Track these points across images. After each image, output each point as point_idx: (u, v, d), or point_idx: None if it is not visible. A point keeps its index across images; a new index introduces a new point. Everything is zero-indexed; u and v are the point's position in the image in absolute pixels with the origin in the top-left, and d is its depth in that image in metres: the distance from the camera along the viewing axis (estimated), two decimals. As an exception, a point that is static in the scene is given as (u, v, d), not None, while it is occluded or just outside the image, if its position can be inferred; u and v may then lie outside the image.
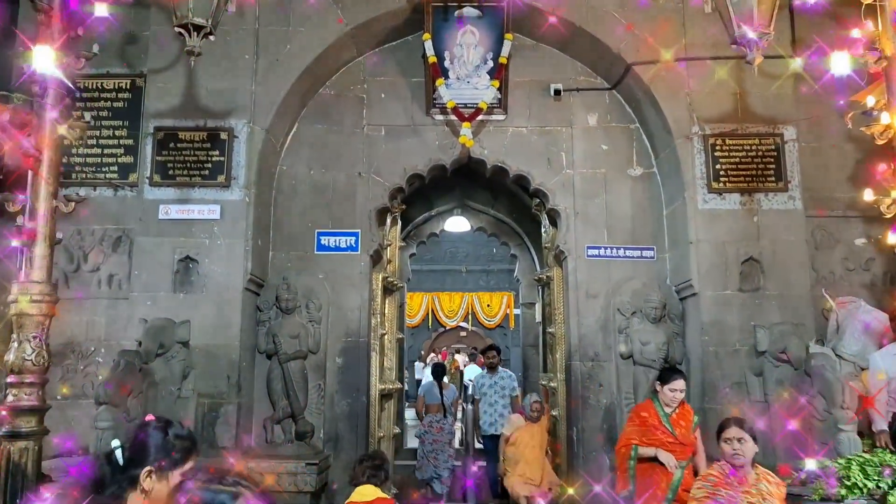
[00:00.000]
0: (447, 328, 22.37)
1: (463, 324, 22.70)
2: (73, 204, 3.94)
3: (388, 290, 7.77)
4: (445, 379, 8.85)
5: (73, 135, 3.93)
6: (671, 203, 6.77)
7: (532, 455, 6.86)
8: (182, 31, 4.33)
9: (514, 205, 11.57)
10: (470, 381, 10.54)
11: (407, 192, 7.34)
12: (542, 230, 8.19)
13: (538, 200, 7.92)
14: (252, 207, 6.32)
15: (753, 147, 6.41)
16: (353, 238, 6.88)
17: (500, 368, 8.43)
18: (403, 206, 8.22)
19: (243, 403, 6.20)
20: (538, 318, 11.35)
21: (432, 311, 21.11)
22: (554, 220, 7.31)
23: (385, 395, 7.50)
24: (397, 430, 7.81)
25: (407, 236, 11.85)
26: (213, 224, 6.25)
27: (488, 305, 21.16)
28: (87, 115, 4.30)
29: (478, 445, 8.55)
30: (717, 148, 6.42)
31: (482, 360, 12.14)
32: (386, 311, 7.86)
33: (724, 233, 6.32)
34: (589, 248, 6.88)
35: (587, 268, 6.86)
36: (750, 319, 6.14)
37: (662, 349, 6.37)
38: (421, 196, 11.49)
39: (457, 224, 11.76)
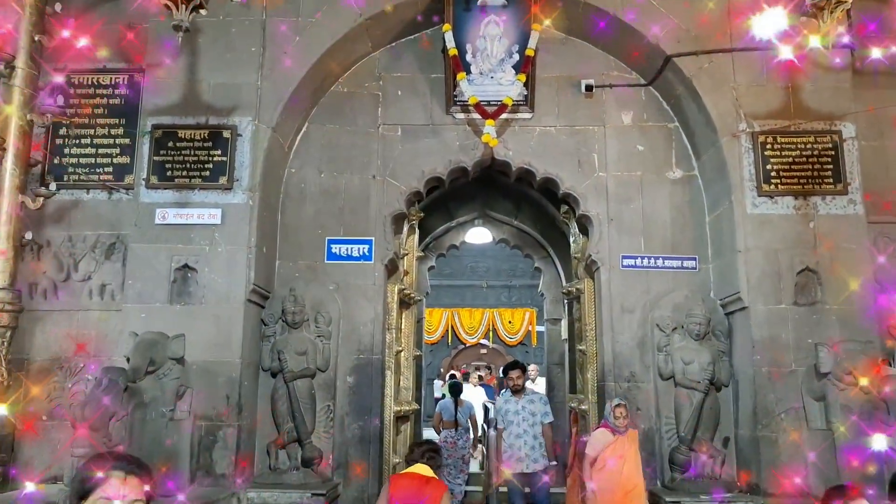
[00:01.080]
0: (467, 345, 21.73)
1: (483, 341, 22.08)
2: (41, 200, 3.45)
3: (404, 303, 7.20)
4: (462, 396, 9.34)
5: (43, 121, 3.42)
6: (715, 208, 6.15)
7: (630, 481, 5.33)
8: (169, 2, 3.82)
9: (538, 215, 11.00)
10: (491, 403, 9.86)
11: (425, 196, 6.81)
12: (571, 239, 7.59)
13: (566, 207, 7.36)
14: (256, 212, 5.80)
15: (808, 145, 5.79)
16: (367, 246, 6.34)
17: (527, 389, 6.91)
18: (422, 215, 7.69)
19: (244, 426, 5.65)
20: (564, 334, 10.74)
21: (452, 327, 20.49)
22: (585, 227, 6.73)
23: (401, 417, 6.92)
24: (414, 455, 7.23)
25: (426, 248, 11.32)
26: (213, 230, 5.74)
27: (510, 322, 20.50)
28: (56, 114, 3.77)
29: (501, 489, 7.04)
30: (768, 147, 5.82)
31: (493, 378, 11.59)
32: (402, 326, 7.30)
33: (776, 240, 5.70)
34: (624, 257, 6.28)
35: (622, 279, 6.26)
36: (807, 336, 5.49)
37: (707, 369, 5.73)
38: (440, 206, 10.98)
39: (478, 235, 11.19)
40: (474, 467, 10.68)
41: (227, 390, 5.52)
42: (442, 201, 10.98)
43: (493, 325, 20.49)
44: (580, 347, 6.86)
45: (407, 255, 7.27)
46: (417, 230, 7.69)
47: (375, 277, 6.31)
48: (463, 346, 22.28)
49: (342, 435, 6.03)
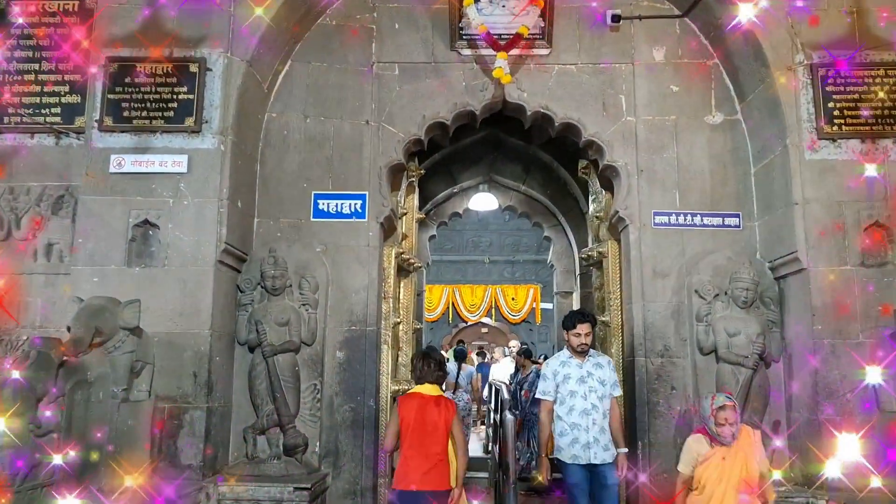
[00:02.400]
0: (469, 323, 20.96)
1: (486, 319, 21.31)
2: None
3: (403, 269, 6.36)
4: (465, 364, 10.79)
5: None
6: (763, 156, 5.30)
7: None
8: None
9: (548, 180, 10.16)
10: (502, 382, 9.04)
11: (426, 146, 5.92)
12: (591, 198, 6.73)
13: (585, 163, 6.52)
14: (229, 159, 4.95)
15: (878, 79, 4.94)
16: (359, 202, 5.50)
17: (593, 351, 4.83)
18: (422, 172, 6.81)
19: (216, 408, 4.83)
20: (576, 308, 9.93)
21: (453, 304, 19.66)
22: (609, 181, 5.87)
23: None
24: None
25: (426, 216, 10.48)
26: (178, 179, 4.90)
27: (513, 299, 19.67)
28: None
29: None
30: (829, 82, 4.96)
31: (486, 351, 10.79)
32: (401, 296, 6.47)
33: (839, 190, 4.86)
34: (656, 214, 5.44)
35: (654, 239, 5.42)
36: (877, 302, 4.68)
37: (757, 342, 4.91)
38: (442, 169, 10.13)
39: (483, 202, 10.34)
40: (477, 449, 9.92)
41: (194, 367, 4.70)
42: (444, 164, 10.13)
43: (495, 302, 19.68)
44: (602, 319, 6.03)
45: (406, 214, 6.42)
46: (417, 188, 6.81)
47: (370, 238, 5.47)
48: (465, 325, 21.52)
49: (331, 418, 5.22)
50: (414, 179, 6.66)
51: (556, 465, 4.71)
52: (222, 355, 4.96)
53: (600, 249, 6.10)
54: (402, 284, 6.50)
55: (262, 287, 5.20)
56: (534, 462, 7.14)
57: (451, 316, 19.78)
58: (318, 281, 5.27)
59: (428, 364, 4.26)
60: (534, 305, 19.55)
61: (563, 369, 4.68)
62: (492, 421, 9.40)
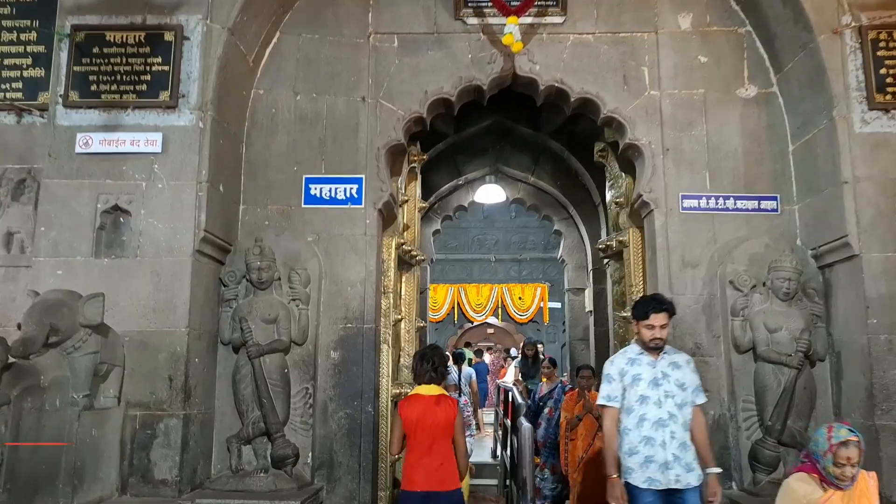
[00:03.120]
0: (474, 323, 20.45)
1: (492, 319, 20.79)
2: None
3: (404, 262, 5.84)
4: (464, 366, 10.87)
5: None
6: (804, 131, 4.76)
7: None
8: None
9: (558, 170, 9.63)
10: (511, 385, 8.52)
11: (429, 127, 5.39)
12: (608, 183, 6.20)
13: (602, 145, 6.00)
14: (209, 137, 4.44)
15: (936, 41, 4.40)
16: (355, 186, 4.98)
17: (668, 347, 3.79)
18: (425, 157, 6.28)
19: (194, 416, 4.31)
20: (588, 305, 9.41)
21: (458, 304, 19.13)
22: (631, 163, 5.34)
23: (401, 403, 5.57)
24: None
25: (430, 210, 9.97)
26: (152, 160, 4.39)
27: (520, 298, 19.14)
28: None
29: None
30: (881, 45, 4.43)
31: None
32: (402, 292, 5.94)
33: (895, 167, 4.32)
34: (684, 197, 4.91)
35: (682, 225, 4.89)
36: (940, 293, 4.13)
37: (802, 338, 4.38)
38: (446, 160, 9.60)
39: (490, 194, 9.80)
40: (483, 455, 9.36)
41: (169, 369, 4.19)
42: (448, 155, 9.60)
43: (501, 302, 19.16)
44: (623, 314, 5.50)
45: (407, 202, 5.90)
46: (419, 175, 6.28)
47: (367, 226, 4.94)
48: (470, 325, 21.04)
49: (325, 426, 4.69)
50: (416, 165, 6.14)
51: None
52: (202, 356, 4.44)
53: (620, 238, 5.56)
54: (403, 279, 5.97)
55: (247, 281, 4.68)
56: (560, 490, 6.38)
57: (456, 316, 19.26)
58: (309, 273, 4.75)
59: (423, 364, 4.05)
60: (541, 305, 19.04)
61: (632, 368, 3.68)
62: (500, 423, 8.90)
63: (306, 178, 4.99)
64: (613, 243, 5.78)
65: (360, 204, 4.95)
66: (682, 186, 4.92)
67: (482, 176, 9.81)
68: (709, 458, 3.64)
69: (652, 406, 3.59)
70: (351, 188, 4.96)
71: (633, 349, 3.79)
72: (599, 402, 3.77)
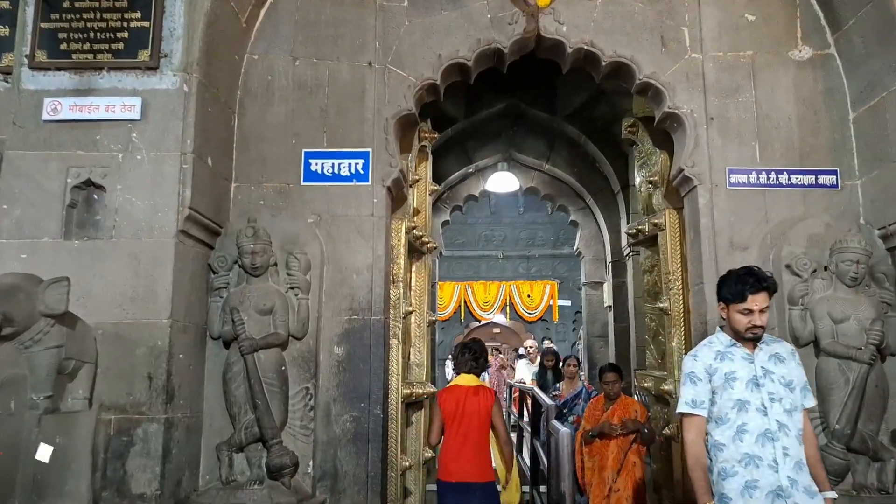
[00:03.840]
0: (482, 322, 19.88)
1: (499, 317, 20.24)
2: None
3: (415, 250, 5.29)
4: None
5: None
6: (868, 96, 4.22)
7: None
8: None
9: (575, 156, 9.08)
10: (530, 381, 7.94)
11: (443, 95, 4.84)
12: (637, 162, 5.63)
13: (631, 120, 5.47)
14: (195, 102, 3.90)
15: None
16: (361, 161, 4.44)
17: (767, 336, 2.95)
18: (436, 135, 5.72)
19: (178, 420, 3.77)
20: (608, 300, 8.86)
21: (465, 302, 18.56)
22: (668, 136, 4.79)
23: (412, 404, 5.03)
24: (430, 454, 5.34)
25: (439, 200, 9.44)
26: (129, 128, 3.85)
27: (528, 296, 18.56)
28: None
29: None
30: (963, -7, 3.86)
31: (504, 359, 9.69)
32: (413, 282, 5.40)
33: (980, 132, 3.77)
34: (732, 171, 4.36)
35: (730, 203, 4.34)
36: None
37: (873, 329, 3.83)
38: (456, 147, 9.06)
39: (502, 182, 9.24)
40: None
41: (149, 367, 3.65)
42: (458, 142, 9.06)
43: (510, 300, 18.58)
44: (659, 305, 4.94)
45: (418, 181, 5.36)
46: (430, 155, 5.72)
47: (374, 205, 4.40)
48: (478, 324, 20.47)
49: (328, 430, 4.15)
50: (427, 144, 5.59)
51: None
52: (188, 352, 3.90)
53: (655, 221, 5.00)
54: (413, 268, 5.43)
55: (239, 267, 4.14)
56: None
57: (463, 314, 18.69)
58: (310, 258, 4.21)
59: (464, 353, 4.28)
60: (550, 302, 18.46)
61: (723, 365, 2.83)
62: (514, 425, 8.36)
63: (306, 153, 4.45)
64: (646, 227, 5.23)
65: (367, 181, 4.41)
66: (728, 160, 4.37)
67: (494, 163, 9.28)
68: (823, 478, 2.81)
69: (754, 413, 2.74)
70: (356, 163, 4.42)
71: (721, 339, 2.92)
72: (680, 409, 2.90)
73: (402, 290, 4.82)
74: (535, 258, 18.73)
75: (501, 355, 16.78)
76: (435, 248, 5.71)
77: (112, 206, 3.77)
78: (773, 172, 4.34)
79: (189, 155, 3.82)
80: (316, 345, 4.19)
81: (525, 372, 9.06)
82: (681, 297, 4.78)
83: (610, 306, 8.84)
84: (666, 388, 4.82)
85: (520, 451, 7.92)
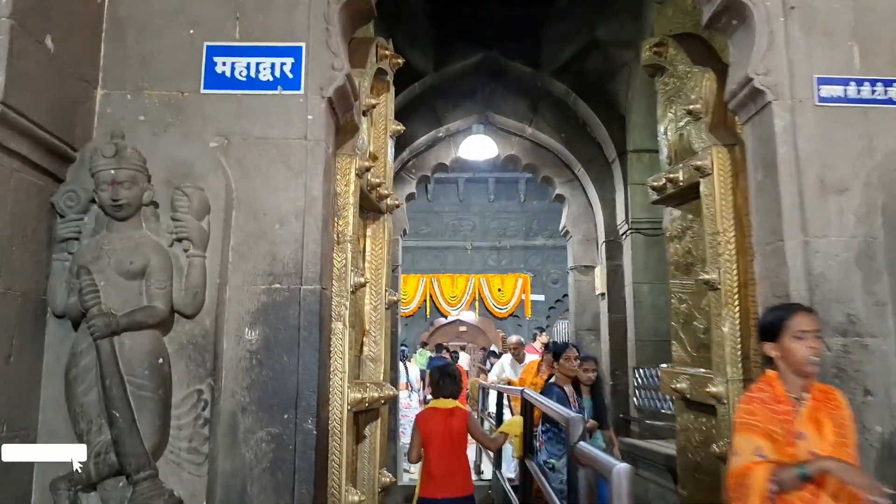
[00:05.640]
0: (448, 318, 18.58)
1: (464, 315, 18.98)
2: None
3: (369, 205, 3.93)
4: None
5: None
6: None
7: None
8: None
9: (562, 119, 7.81)
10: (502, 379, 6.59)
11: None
12: (662, 95, 4.31)
13: (656, 40, 4.16)
14: (20, -57, 2.46)
15: None
16: (290, 61, 3.04)
17: None
18: (400, 62, 4.33)
19: (-22, 445, 2.34)
20: (600, 287, 7.58)
21: (430, 296, 17.20)
22: (711, 52, 3.49)
23: (365, 412, 3.66)
24: (388, 479, 3.96)
25: (403, 168, 8.08)
26: None
27: (499, 290, 17.26)
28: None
29: None
30: None
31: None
32: (368, 249, 4.03)
33: None
34: (822, 81, 3.07)
35: (820, 126, 3.04)
36: None
37: None
38: (423, 107, 7.69)
39: (478, 148, 7.91)
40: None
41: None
42: (426, 100, 7.68)
43: (479, 294, 17.27)
44: (703, 277, 3.61)
45: (375, 108, 3.99)
46: (392, 85, 4.34)
47: (309, 125, 3.01)
48: (444, 320, 19.20)
49: (233, 456, 2.74)
50: (387, 69, 4.22)
51: None
52: (11, 338, 2.47)
53: (696, 164, 3.67)
54: (369, 231, 4.07)
55: (99, 207, 2.71)
56: None
57: (428, 309, 17.31)
58: (209, 197, 2.80)
59: (445, 379, 4.40)
60: (522, 297, 17.20)
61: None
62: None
63: (209, 48, 3.04)
64: (679, 175, 3.91)
65: (299, 88, 3.01)
66: (816, 66, 3.08)
67: (468, 126, 7.95)
68: None
69: None
70: (282, 63, 3.03)
71: None
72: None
73: (349, 255, 3.42)
74: (506, 249, 17.47)
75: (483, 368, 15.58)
76: (398, 205, 4.32)
77: None
78: (878, 84, 3.06)
79: (4, 20, 2.39)
80: (216, 326, 2.78)
81: (510, 372, 7.70)
82: (736, 265, 3.49)
83: (603, 294, 7.56)
84: (713, 390, 3.50)
85: (498, 466, 6.60)
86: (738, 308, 3.47)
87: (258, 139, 2.98)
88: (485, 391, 9.08)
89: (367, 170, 3.63)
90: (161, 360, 2.61)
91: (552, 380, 5.00)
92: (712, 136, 3.64)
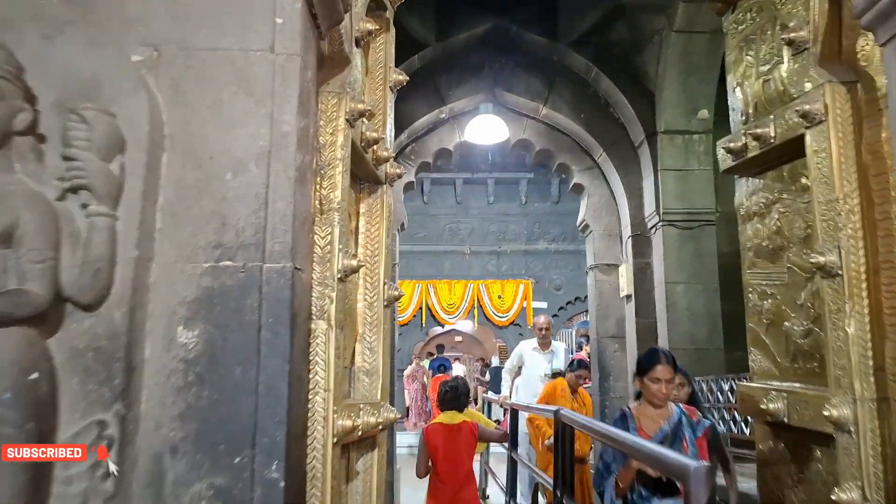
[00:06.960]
0: (445, 326, 17.66)
1: (463, 324, 18.07)
2: None
3: (362, 172, 3.00)
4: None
5: None
6: None
7: None
8: None
9: (581, 99, 6.93)
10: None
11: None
12: (733, 36, 3.40)
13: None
14: None
15: None
16: (251, -57, 2.10)
17: None
18: (402, -2, 3.41)
19: None
20: (626, 289, 6.66)
21: (427, 304, 16.27)
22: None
23: (359, 443, 2.72)
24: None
25: (401, 155, 7.17)
26: None
27: (499, 297, 16.35)
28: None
29: None
30: None
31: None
32: (362, 227, 3.10)
33: None
34: None
35: None
36: None
37: None
38: (424, 84, 6.80)
39: (486, 130, 6.99)
40: None
41: None
42: (427, 76, 6.78)
43: (478, 301, 16.37)
44: (816, 260, 2.67)
45: (372, 51, 3.07)
46: (394, 29, 3.41)
47: (277, 31, 2.07)
48: (440, 329, 18.29)
49: (154, 522, 1.78)
50: (388, 5, 3.30)
51: None
52: None
53: (805, 107, 2.74)
54: (364, 205, 3.14)
55: (-51, 139, 1.76)
56: None
57: (424, 318, 16.39)
58: (121, 128, 1.86)
59: (458, 394, 4.46)
60: (524, 304, 16.30)
61: None
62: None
63: (134, -78, 2.10)
64: (771, 129, 2.98)
65: (261, -17, 2.08)
66: None
67: (475, 106, 7.04)
68: None
69: None
70: (239, -55, 2.09)
71: None
72: None
73: (337, 230, 2.47)
74: (506, 254, 16.59)
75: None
76: (400, 174, 3.38)
77: None
78: None
79: None
80: (131, 323, 1.82)
81: (536, 364, 6.46)
82: (860, 245, 2.56)
83: (629, 296, 6.64)
84: (834, 413, 2.56)
85: (513, 495, 5.65)
86: (867, 301, 2.54)
87: (203, 51, 2.04)
88: (490, 407, 8.12)
89: (362, 115, 2.69)
90: (35, 376, 1.65)
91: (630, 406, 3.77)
92: (824, 72, 2.73)
